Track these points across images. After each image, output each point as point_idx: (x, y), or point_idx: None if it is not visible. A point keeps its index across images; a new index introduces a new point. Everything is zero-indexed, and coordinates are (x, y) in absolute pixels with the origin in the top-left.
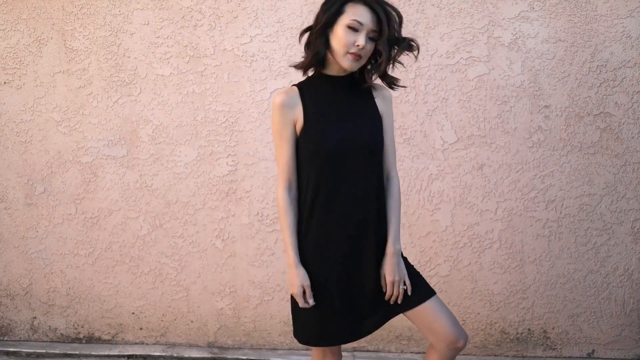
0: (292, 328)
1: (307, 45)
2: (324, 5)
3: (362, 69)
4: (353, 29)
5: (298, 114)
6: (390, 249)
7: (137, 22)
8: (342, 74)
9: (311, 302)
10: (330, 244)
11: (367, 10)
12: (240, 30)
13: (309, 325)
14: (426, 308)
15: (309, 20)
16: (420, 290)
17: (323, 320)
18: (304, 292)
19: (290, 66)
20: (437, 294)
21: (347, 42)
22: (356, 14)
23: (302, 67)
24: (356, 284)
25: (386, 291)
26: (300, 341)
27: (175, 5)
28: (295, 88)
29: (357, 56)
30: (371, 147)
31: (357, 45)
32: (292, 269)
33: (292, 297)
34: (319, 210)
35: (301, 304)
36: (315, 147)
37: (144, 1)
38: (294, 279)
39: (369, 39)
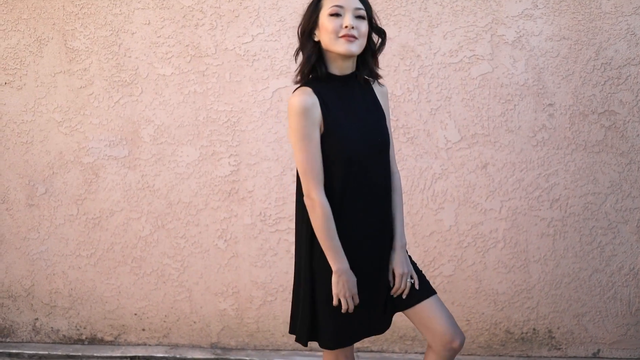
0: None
1: (299, 54)
2: (303, 16)
3: (366, 61)
4: (336, 14)
5: (319, 117)
6: (398, 242)
7: (138, 22)
8: (346, 72)
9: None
10: (360, 243)
11: None
12: (241, 30)
13: (343, 327)
14: (425, 306)
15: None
16: (421, 288)
17: (352, 320)
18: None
19: (297, 82)
20: (441, 294)
21: (333, 27)
22: (334, 0)
23: (301, 79)
24: (377, 280)
25: (393, 285)
26: (332, 347)
27: (177, 4)
28: (310, 89)
29: (350, 37)
30: (385, 145)
31: (345, 27)
32: (344, 274)
33: (308, 305)
34: (347, 211)
35: (351, 308)
36: (340, 149)
37: (144, 0)
38: (347, 284)
39: (357, 17)
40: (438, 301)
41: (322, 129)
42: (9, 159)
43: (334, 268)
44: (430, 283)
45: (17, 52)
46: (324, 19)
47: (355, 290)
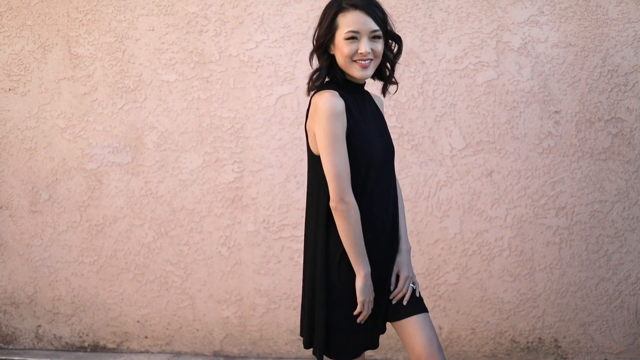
0: (298, 337)
1: (313, 58)
2: (319, 22)
3: (381, 71)
4: (352, 38)
5: (346, 120)
6: (404, 246)
7: (142, 28)
8: (362, 81)
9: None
10: (373, 249)
11: (360, 14)
12: (245, 36)
13: (351, 337)
14: (411, 322)
15: (315, 26)
16: (413, 304)
17: (364, 328)
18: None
19: (311, 90)
20: (446, 302)
21: (349, 52)
22: (349, 24)
23: (314, 88)
24: (384, 286)
25: (394, 289)
26: (345, 358)
27: (181, 10)
28: (336, 92)
29: (366, 62)
30: (393, 152)
31: (360, 53)
32: (369, 279)
33: (326, 317)
34: (364, 216)
35: (368, 314)
36: (361, 153)
37: (149, 7)
38: (370, 288)
39: (372, 39)
40: (425, 319)
41: (347, 133)
42: (12, 165)
43: (362, 272)
44: (435, 291)
45: (22, 59)
46: (339, 40)
47: (373, 294)
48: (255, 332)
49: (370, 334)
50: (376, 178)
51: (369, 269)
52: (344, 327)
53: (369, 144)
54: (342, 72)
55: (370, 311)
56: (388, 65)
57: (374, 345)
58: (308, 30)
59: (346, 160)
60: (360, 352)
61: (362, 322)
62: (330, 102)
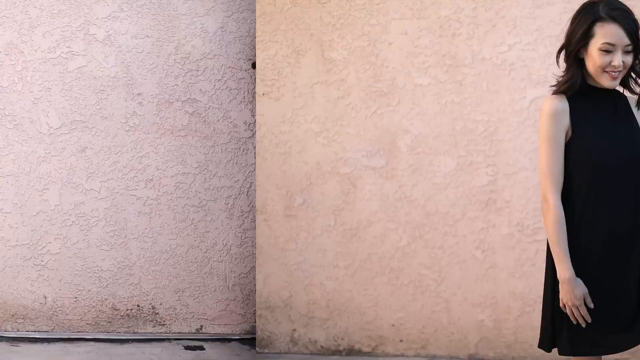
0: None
1: (560, 54)
2: (571, 25)
3: (626, 80)
4: (606, 51)
5: (568, 122)
6: None
7: (395, 32)
8: (605, 86)
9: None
10: (600, 255)
11: (617, 27)
12: (498, 39)
13: (580, 334)
14: None
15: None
16: None
17: (597, 327)
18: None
19: (553, 93)
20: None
21: (601, 63)
22: (606, 35)
23: (560, 91)
24: (623, 293)
25: None
26: (570, 353)
27: (433, 14)
28: (564, 95)
29: (616, 73)
30: (635, 158)
31: (613, 65)
32: (570, 282)
33: (553, 311)
34: (588, 222)
35: (582, 316)
36: (585, 157)
37: (402, 11)
38: (574, 291)
39: (625, 52)
40: None
41: (569, 135)
42: (266, 169)
43: (558, 275)
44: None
45: (275, 63)
46: (593, 50)
47: (579, 302)
48: (510, 335)
49: (608, 339)
50: (607, 184)
51: (567, 274)
52: (562, 321)
53: (596, 149)
54: (584, 79)
55: (579, 315)
56: (632, 74)
57: (613, 350)
58: (561, 33)
59: (556, 161)
60: (588, 351)
61: (580, 323)
62: (549, 103)
